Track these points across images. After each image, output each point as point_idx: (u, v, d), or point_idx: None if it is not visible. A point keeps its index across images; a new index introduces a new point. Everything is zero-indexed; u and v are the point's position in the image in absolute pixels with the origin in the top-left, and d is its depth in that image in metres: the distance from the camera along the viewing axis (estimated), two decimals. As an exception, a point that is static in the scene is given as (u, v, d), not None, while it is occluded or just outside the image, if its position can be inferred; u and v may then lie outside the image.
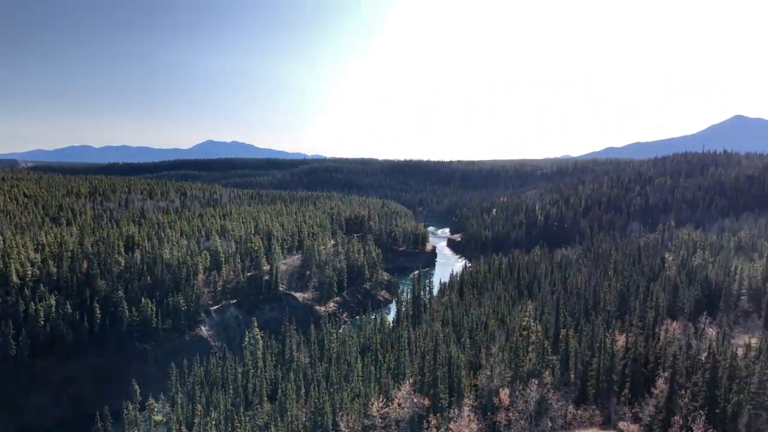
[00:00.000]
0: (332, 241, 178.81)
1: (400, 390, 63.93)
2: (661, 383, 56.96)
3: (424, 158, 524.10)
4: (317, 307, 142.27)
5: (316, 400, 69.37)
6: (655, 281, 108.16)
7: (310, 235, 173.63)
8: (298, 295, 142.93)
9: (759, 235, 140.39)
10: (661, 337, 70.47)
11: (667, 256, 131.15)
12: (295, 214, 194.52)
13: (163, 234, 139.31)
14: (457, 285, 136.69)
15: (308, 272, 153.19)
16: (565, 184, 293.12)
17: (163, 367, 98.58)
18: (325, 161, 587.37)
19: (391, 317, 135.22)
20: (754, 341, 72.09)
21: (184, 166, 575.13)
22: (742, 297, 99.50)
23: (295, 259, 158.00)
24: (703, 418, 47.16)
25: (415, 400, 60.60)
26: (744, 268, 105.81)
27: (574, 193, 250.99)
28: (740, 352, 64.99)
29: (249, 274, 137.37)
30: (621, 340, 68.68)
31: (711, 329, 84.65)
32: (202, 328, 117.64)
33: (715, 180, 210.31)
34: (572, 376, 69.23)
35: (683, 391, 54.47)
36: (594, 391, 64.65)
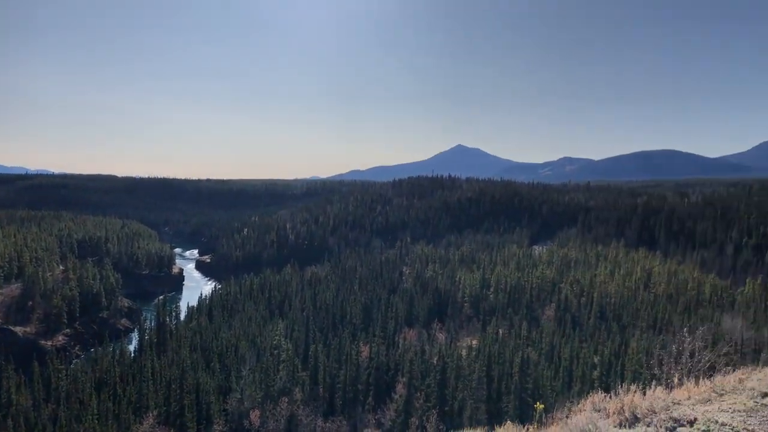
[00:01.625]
0: (61, 267, 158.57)
1: (142, 424, 58.66)
2: (400, 388, 61.24)
3: (170, 176, 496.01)
4: (43, 342, 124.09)
5: (37, 450, 60.05)
6: (394, 293, 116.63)
7: (33, 260, 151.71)
8: (18, 329, 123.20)
9: (477, 248, 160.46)
10: (400, 345, 76.09)
11: (404, 269, 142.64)
12: (14, 236, 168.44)
13: None
14: (206, 308, 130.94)
15: (31, 302, 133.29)
16: (315, 204, 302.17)
17: None
18: (52, 177, 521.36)
19: (133, 347, 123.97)
20: (474, 342, 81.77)
21: None
22: (465, 303, 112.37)
23: (14, 289, 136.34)
24: (435, 416, 51.69)
25: (159, 434, 56.09)
26: (466, 278, 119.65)
27: (323, 212, 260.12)
28: (464, 353, 73.05)
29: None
30: (365, 350, 72.40)
31: (441, 334, 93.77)
32: None
33: (442, 201, 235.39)
34: (321, 390, 70.77)
35: (419, 393, 59.22)
36: (342, 402, 66.83)
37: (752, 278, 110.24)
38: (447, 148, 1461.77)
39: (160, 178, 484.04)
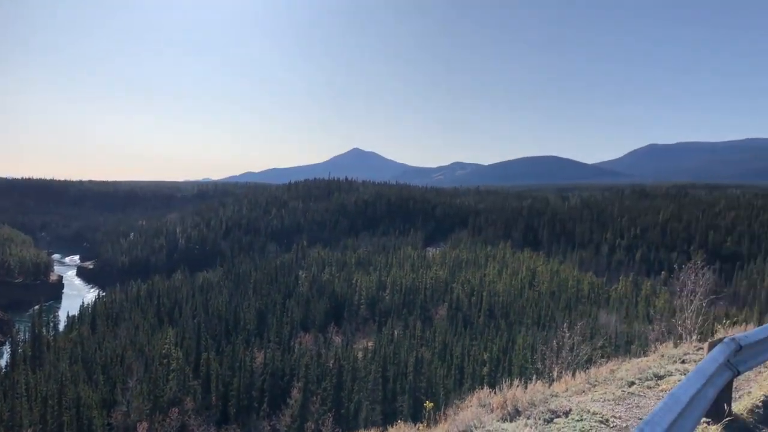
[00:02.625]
0: None
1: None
2: (295, 393, 60.61)
3: (48, 176, 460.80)
4: None
5: None
6: (290, 297, 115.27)
7: None
8: None
9: (373, 251, 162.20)
10: (296, 350, 75.37)
11: (300, 273, 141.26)
12: None
13: None
14: (89, 317, 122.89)
15: None
16: (207, 207, 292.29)
17: None
18: None
19: (3, 362, 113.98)
20: (370, 344, 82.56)
21: None
22: (362, 306, 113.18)
23: None
24: (331, 419, 51.67)
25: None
26: (362, 280, 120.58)
27: (216, 215, 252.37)
28: (360, 355, 73.57)
29: None
30: (260, 356, 71.07)
31: (338, 337, 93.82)
32: None
33: (339, 204, 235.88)
34: (214, 398, 68.61)
35: (315, 397, 58.94)
36: (235, 410, 65.15)
37: (624, 276, 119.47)
38: (343, 151, 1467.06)
39: (37, 179, 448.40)
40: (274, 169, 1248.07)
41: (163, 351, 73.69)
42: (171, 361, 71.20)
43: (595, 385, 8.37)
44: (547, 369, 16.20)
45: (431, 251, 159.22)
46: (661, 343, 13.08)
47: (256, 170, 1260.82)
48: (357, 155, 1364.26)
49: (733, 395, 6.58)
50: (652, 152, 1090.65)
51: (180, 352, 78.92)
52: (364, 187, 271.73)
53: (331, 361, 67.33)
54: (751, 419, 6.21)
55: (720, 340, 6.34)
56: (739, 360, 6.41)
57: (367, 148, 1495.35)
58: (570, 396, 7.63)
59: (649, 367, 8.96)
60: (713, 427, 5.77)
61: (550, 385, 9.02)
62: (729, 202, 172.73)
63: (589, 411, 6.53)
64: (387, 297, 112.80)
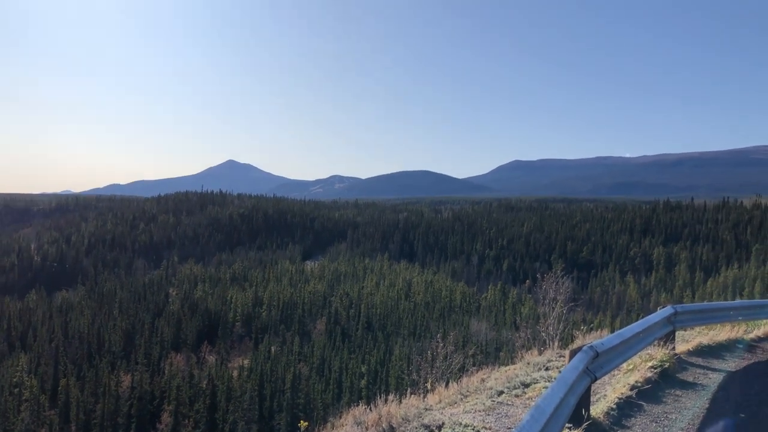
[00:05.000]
0: None
1: None
2: (165, 417, 57.37)
3: None
4: None
5: None
6: (160, 316, 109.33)
7: None
8: None
9: (250, 266, 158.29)
10: (166, 371, 71.43)
11: (171, 290, 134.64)
12: None
13: None
14: None
15: None
16: (67, 221, 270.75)
17: None
18: None
19: None
20: (246, 362, 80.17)
21: None
22: (237, 323, 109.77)
23: None
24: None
25: None
26: (238, 296, 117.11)
27: (77, 230, 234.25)
28: (236, 374, 71.20)
29: None
30: (127, 380, 66.58)
31: (211, 356, 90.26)
32: None
33: (212, 217, 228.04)
34: (74, 428, 63.20)
35: (187, 421, 56.11)
36: (97, 441, 60.45)
37: (493, 285, 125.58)
38: (218, 162, 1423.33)
39: None
40: (142, 181, 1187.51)
41: (14, 380, 66.98)
42: (23, 390, 64.78)
43: (466, 396, 8.54)
44: (422, 379, 16.43)
45: (310, 265, 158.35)
46: (527, 350, 13.73)
47: (123, 182, 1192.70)
48: (232, 167, 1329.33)
49: (591, 399, 6.96)
50: (517, 168, 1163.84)
51: (34, 379, 71.97)
52: (239, 200, 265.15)
53: (204, 382, 64.56)
54: (607, 422, 6.60)
55: (579, 348, 6.70)
56: (596, 366, 6.81)
57: (244, 160, 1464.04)
58: (443, 408, 7.72)
59: (517, 376, 9.32)
60: (574, 432, 6.05)
61: (425, 397, 9.09)
62: (584, 214, 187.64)
63: (461, 423, 6.62)
64: (264, 313, 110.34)
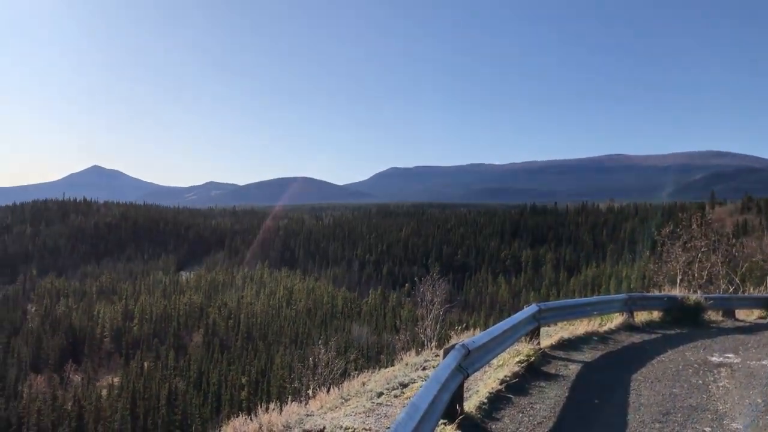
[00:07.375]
0: None
1: None
2: (24, 446, 52.63)
3: None
4: None
5: None
6: (17, 335, 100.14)
7: None
8: None
9: (119, 278, 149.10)
10: (25, 395, 65.52)
11: (29, 307, 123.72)
12: None
13: None
14: None
15: None
16: None
17: None
18: None
19: None
20: (116, 380, 75.46)
21: None
22: (106, 339, 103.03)
23: None
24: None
25: None
26: (106, 311, 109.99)
27: None
28: (105, 393, 66.80)
29: None
30: (-25, 409, 60.25)
31: (77, 376, 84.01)
32: None
33: (76, 227, 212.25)
34: None
35: (48, 448, 51.84)
36: (-60, 479, 54.20)
37: (374, 289, 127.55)
38: (81, 168, 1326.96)
39: None
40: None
41: None
42: None
43: (348, 400, 8.70)
44: (304, 387, 16.45)
45: (185, 275, 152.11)
46: (406, 352, 14.16)
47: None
48: (97, 173, 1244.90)
49: (465, 395, 7.37)
50: (394, 174, 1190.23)
51: None
52: (106, 208, 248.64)
53: (70, 403, 60.01)
54: (479, 415, 7.02)
55: (453, 347, 7.08)
56: (468, 363, 7.22)
57: (110, 166, 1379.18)
58: (324, 413, 7.82)
59: (395, 377, 9.62)
60: (449, 427, 6.38)
61: (306, 404, 9.14)
62: (458, 219, 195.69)
63: (342, 426, 6.75)
64: (135, 327, 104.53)
